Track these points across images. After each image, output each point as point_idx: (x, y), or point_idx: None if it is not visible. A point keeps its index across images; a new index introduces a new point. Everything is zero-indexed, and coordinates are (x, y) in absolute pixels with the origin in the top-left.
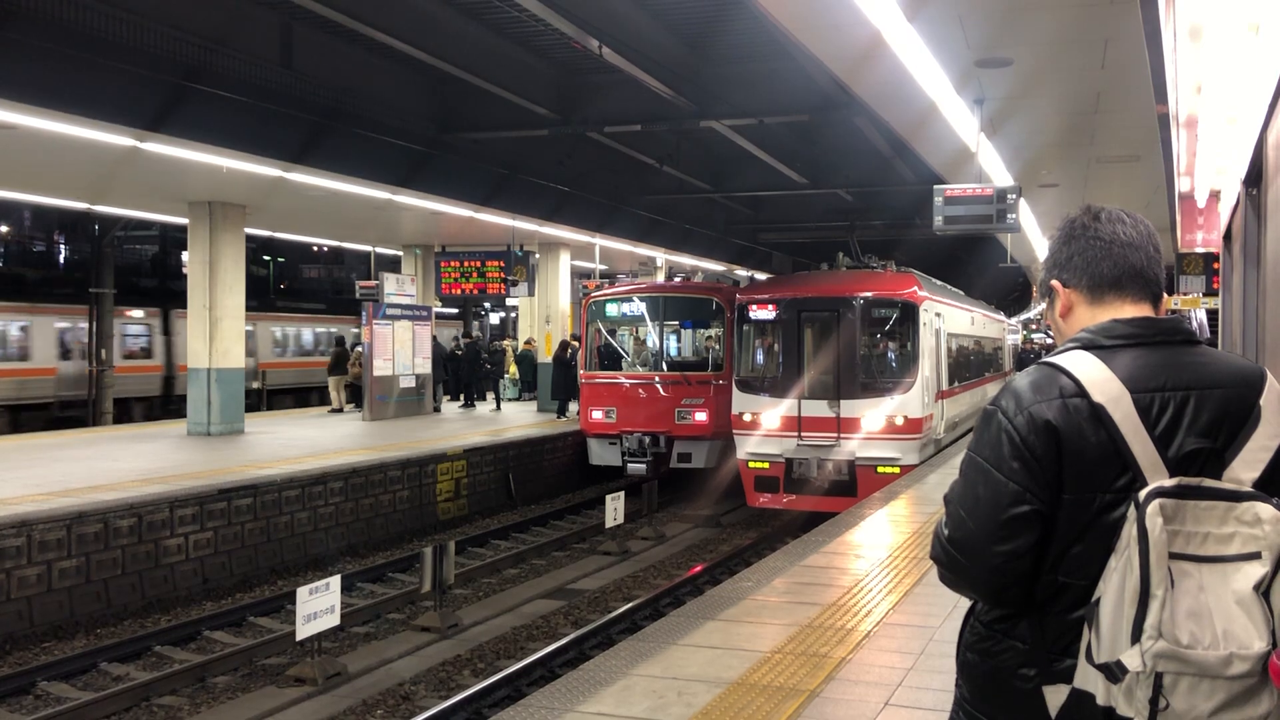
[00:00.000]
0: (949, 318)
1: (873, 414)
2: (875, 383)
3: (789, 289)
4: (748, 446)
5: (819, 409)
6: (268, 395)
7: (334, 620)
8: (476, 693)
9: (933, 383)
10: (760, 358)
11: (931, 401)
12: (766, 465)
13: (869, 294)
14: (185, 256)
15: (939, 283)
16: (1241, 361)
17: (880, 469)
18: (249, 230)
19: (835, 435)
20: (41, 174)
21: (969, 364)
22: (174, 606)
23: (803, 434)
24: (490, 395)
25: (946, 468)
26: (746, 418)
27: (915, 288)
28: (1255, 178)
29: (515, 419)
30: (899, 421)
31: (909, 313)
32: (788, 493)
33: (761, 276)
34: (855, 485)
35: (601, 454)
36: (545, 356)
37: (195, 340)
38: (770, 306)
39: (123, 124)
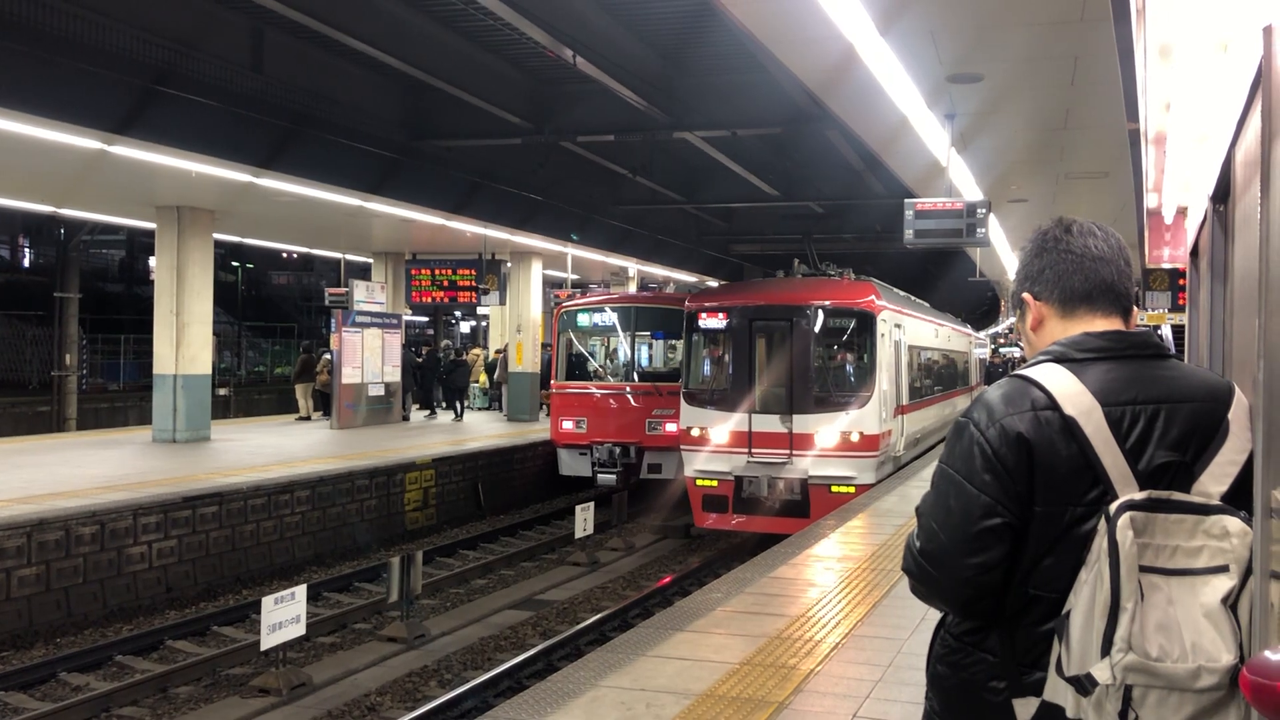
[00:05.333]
0: (910, 329)
1: (827, 430)
2: (830, 396)
3: (740, 296)
4: (695, 463)
5: (770, 424)
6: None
7: (299, 630)
8: (443, 704)
9: (891, 397)
10: (709, 368)
11: (890, 417)
12: (715, 483)
13: (823, 302)
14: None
15: (901, 293)
16: (1210, 376)
17: (834, 488)
18: (217, 236)
19: (787, 452)
20: (4, 176)
21: (932, 378)
22: (136, 615)
23: (753, 450)
24: (454, 405)
25: (907, 487)
26: (695, 432)
27: (873, 296)
28: (1223, 194)
29: (484, 429)
30: (854, 438)
31: (866, 323)
32: (737, 513)
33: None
34: (808, 505)
35: (572, 464)
36: (517, 365)
37: (162, 345)
38: (720, 315)
39: (89, 126)
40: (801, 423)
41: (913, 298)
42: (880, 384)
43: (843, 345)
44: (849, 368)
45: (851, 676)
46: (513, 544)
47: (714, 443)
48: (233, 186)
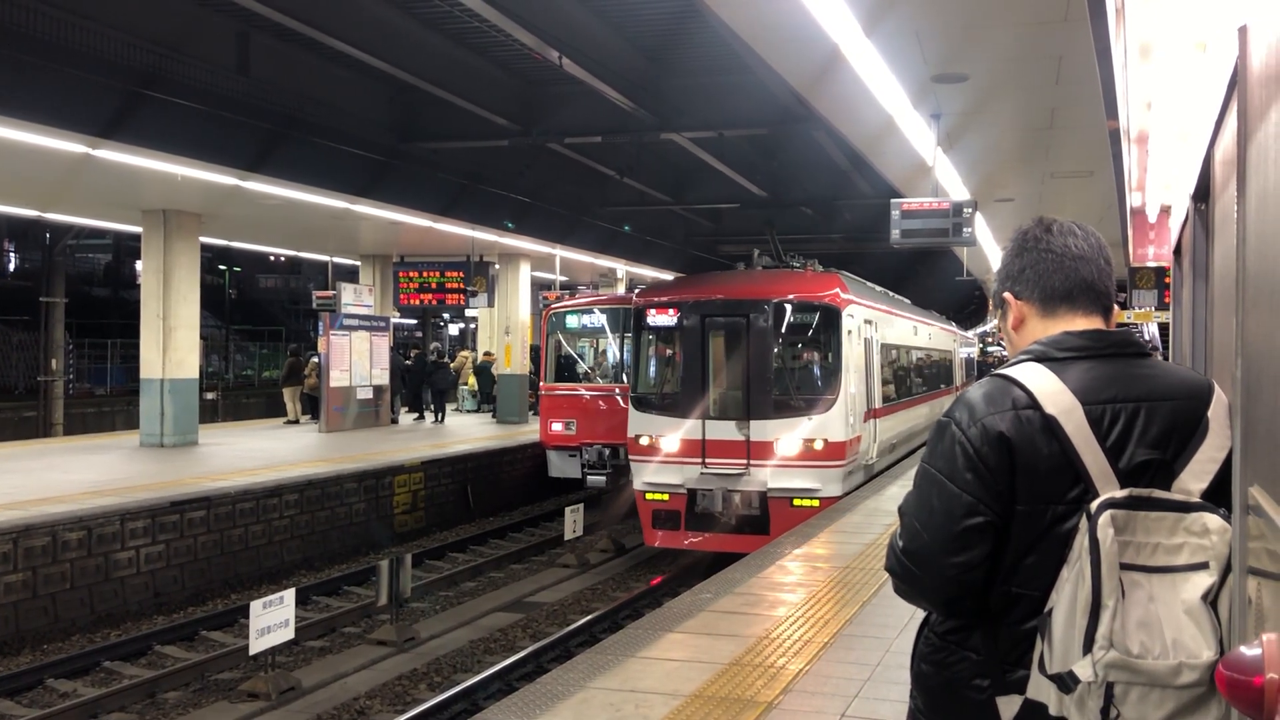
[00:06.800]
0: (884, 326)
1: (788, 437)
2: (791, 400)
3: (692, 291)
4: (644, 475)
5: (726, 431)
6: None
7: (288, 634)
8: (432, 707)
9: (861, 400)
10: (657, 370)
11: (859, 422)
12: (665, 497)
13: (782, 297)
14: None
15: (878, 288)
16: (1190, 374)
17: (797, 501)
18: (204, 239)
19: (744, 462)
20: None
21: (911, 378)
22: (124, 621)
23: (707, 460)
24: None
25: (879, 499)
26: (644, 441)
27: (837, 290)
28: (1204, 193)
29: (473, 431)
30: (818, 446)
31: (830, 318)
32: (690, 530)
33: None
34: (767, 521)
35: (561, 466)
36: (505, 368)
37: (149, 350)
38: (671, 311)
39: (74, 130)
40: (760, 429)
41: (891, 293)
42: (847, 386)
43: (805, 343)
44: (813, 368)
45: (840, 676)
46: (502, 546)
47: (664, 452)
48: (219, 190)
